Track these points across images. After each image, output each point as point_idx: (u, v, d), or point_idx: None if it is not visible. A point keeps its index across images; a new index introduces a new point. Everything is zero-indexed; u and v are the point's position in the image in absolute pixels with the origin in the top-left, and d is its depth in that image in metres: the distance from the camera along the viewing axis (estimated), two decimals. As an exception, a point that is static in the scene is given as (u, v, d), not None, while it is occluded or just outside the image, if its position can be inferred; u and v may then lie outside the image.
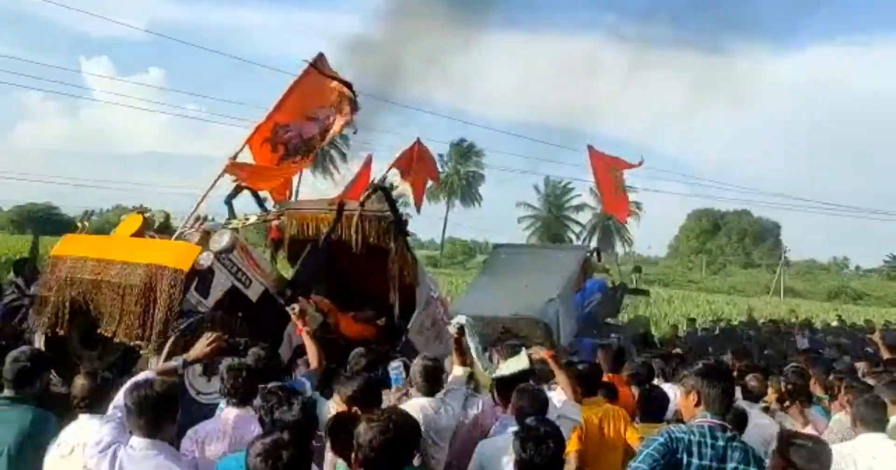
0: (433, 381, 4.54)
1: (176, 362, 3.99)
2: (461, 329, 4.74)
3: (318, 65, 7.37)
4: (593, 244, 72.33)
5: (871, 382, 6.13)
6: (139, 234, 6.15)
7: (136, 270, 5.57)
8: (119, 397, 3.44)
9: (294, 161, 7.38)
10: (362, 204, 7.18)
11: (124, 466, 3.20)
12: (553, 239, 70.37)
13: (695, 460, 3.27)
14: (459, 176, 72.67)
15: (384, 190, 7.29)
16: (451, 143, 72.25)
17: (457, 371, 4.77)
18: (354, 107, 7.56)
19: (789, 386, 5.94)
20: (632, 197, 77.03)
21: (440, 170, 72.51)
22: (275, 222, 7.01)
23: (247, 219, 6.96)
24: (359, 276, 7.71)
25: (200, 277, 5.85)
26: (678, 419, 4.45)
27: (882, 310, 43.73)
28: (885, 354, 6.77)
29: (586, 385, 4.82)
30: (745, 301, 44.96)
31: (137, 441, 3.22)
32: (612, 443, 4.73)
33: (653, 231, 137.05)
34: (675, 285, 61.94)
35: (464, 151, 73.07)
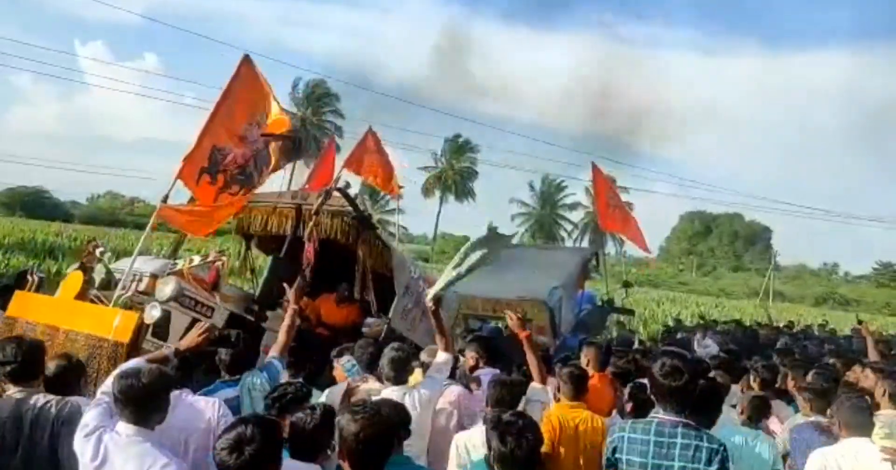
0: (401, 370, 4.58)
1: (167, 351, 3.95)
2: (438, 300, 4.75)
3: (247, 68, 6.45)
4: (585, 243, 72.65)
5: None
6: (82, 294, 5.92)
7: (78, 341, 5.36)
8: (108, 383, 3.43)
9: (232, 192, 6.35)
10: (317, 211, 7.11)
11: (109, 451, 3.18)
12: (546, 236, 70.51)
13: (635, 458, 3.28)
14: (454, 171, 72.60)
15: (339, 191, 7.23)
16: (446, 138, 72.26)
17: (440, 357, 4.76)
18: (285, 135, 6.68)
19: (758, 381, 6.11)
20: (624, 198, 77.32)
21: (435, 165, 72.33)
22: (216, 264, 6.55)
23: (191, 261, 6.52)
24: (329, 263, 7.75)
25: (156, 324, 5.73)
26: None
27: (869, 316, 43.97)
28: (873, 356, 6.75)
29: (576, 387, 4.74)
30: (733, 304, 45.15)
31: (123, 427, 3.21)
32: (587, 449, 4.57)
33: (645, 232, 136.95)
34: (666, 287, 62.17)
35: (458, 147, 72.99)
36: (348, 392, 4.55)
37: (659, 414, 3.35)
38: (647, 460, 3.24)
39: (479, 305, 10.54)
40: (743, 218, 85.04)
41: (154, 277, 6.06)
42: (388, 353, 4.63)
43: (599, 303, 13.58)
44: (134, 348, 5.26)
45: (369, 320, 7.62)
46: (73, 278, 6.08)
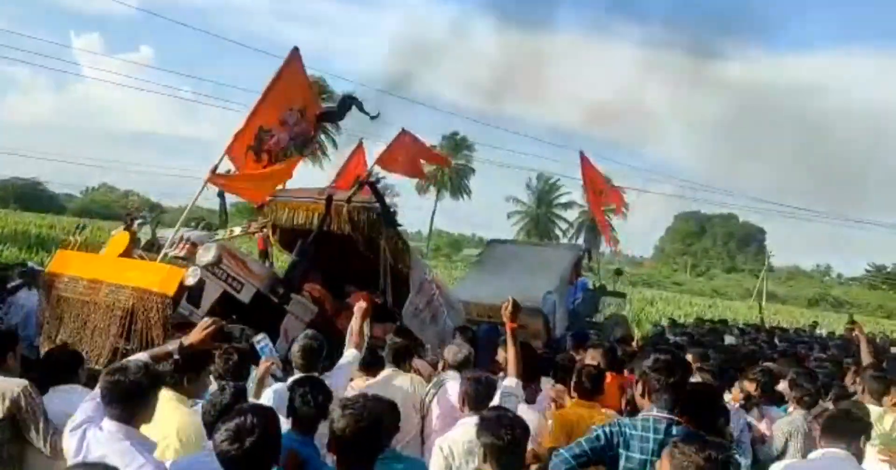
0: (313, 359, 4.56)
1: (171, 346, 3.89)
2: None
3: (296, 61, 7.10)
4: (580, 242, 72.81)
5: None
6: (127, 253, 6.18)
7: (124, 293, 5.67)
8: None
9: (276, 165, 7.06)
10: (349, 200, 7.29)
11: (90, 447, 3.14)
12: (541, 235, 70.58)
13: (635, 455, 3.24)
14: (450, 168, 72.57)
15: (370, 185, 7.43)
16: (443, 135, 72.22)
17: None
18: (326, 116, 7.53)
19: (755, 385, 6.06)
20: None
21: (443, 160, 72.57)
22: (259, 235, 6.91)
23: (231, 231, 6.93)
24: (345, 259, 7.88)
25: (191, 290, 6.00)
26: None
27: (863, 319, 44.10)
28: (867, 358, 6.74)
29: (592, 385, 4.67)
30: (727, 305, 45.27)
31: (108, 424, 3.16)
32: None
33: (639, 232, 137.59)
34: (660, 286, 62.29)
35: (455, 144, 72.96)
36: (260, 375, 4.54)
37: (653, 411, 3.33)
38: (647, 457, 3.22)
39: (475, 311, 10.61)
40: (737, 219, 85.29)
41: (194, 244, 6.31)
42: (301, 340, 4.60)
43: (591, 287, 13.75)
44: (177, 303, 5.66)
45: None
46: (121, 238, 6.32)
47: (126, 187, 69.62)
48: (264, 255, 6.81)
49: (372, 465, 3.00)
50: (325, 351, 4.70)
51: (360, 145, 13.20)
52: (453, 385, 4.76)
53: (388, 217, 7.50)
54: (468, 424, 3.92)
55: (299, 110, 7.06)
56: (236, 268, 6.40)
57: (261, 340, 4.69)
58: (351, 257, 7.84)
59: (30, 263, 10.58)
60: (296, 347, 4.60)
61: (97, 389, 3.33)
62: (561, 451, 3.30)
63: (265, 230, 7.00)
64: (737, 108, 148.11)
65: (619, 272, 18.25)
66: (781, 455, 5.26)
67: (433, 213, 72.55)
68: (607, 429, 3.31)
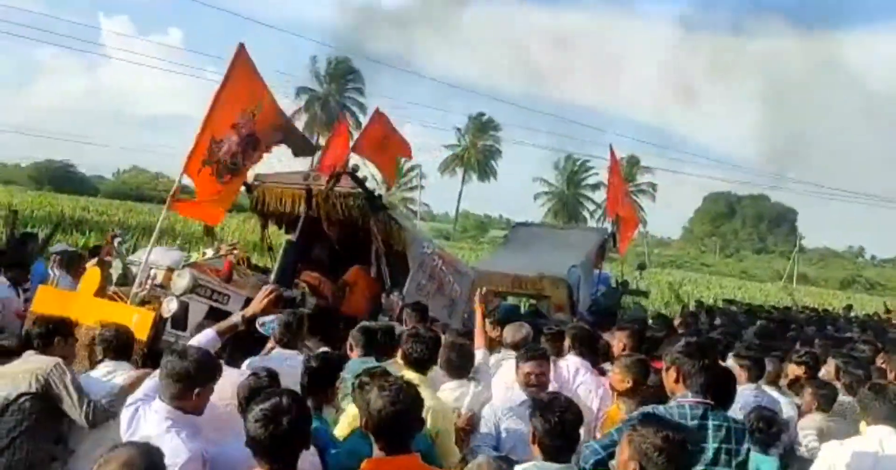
0: (293, 333, 4.77)
1: (235, 318, 3.94)
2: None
3: (243, 59, 6.51)
4: (608, 223, 72.29)
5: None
6: (101, 291, 5.99)
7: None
8: None
9: (224, 181, 6.48)
10: (326, 197, 7.41)
11: (139, 425, 3.24)
12: (569, 216, 70.24)
13: None
14: (476, 149, 72.35)
15: (349, 174, 7.40)
16: (470, 116, 71.95)
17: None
18: (284, 123, 6.97)
19: (802, 368, 5.97)
20: (647, 178, 76.08)
21: (457, 143, 71.84)
22: (229, 257, 6.61)
23: (204, 254, 6.63)
24: (343, 241, 8.06)
25: (173, 315, 5.84)
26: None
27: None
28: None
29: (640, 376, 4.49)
30: (756, 287, 44.79)
31: (158, 404, 3.21)
32: None
33: (668, 213, 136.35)
34: (688, 268, 61.78)
35: (481, 125, 72.66)
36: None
37: (688, 397, 3.33)
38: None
39: (499, 281, 10.67)
40: (768, 199, 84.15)
41: (170, 269, 6.16)
42: (282, 316, 4.81)
43: (614, 284, 13.69)
44: (153, 344, 5.37)
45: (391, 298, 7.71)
46: (92, 274, 6.12)
47: (156, 169, 70.41)
48: (228, 278, 6.43)
49: (408, 445, 3.01)
50: (304, 326, 4.89)
51: (342, 124, 13.17)
52: (510, 364, 4.81)
53: (373, 202, 7.55)
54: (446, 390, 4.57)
55: (252, 111, 6.54)
56: (217, 282, 6.30)
57: (269, 322, 4.80)
58: (348, 239, 8.02)
59: (62, 245, 10.62)
60: (276, 324, 4.81)
61: (161, 369, 3.38)
62: (591, 442, 3.31)
63: (236, 252, 6.79)
64: (772, 88, 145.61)
65: (641, 267, 17.97)
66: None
67: (460, 194, 72.58)
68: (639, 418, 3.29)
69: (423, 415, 3.18)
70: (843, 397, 5.31)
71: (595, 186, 73.80)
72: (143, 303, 5.85)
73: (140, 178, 68.18)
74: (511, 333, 5.41)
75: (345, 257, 8.16)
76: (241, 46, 6.48)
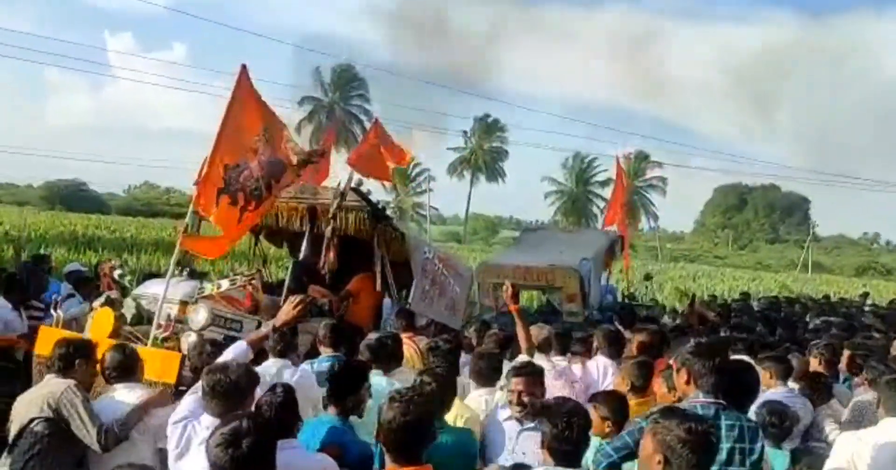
0: (288, 341, 4.80)
1: (265, 329, 3.98)
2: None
3: (245, 79, 6.05)
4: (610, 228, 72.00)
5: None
6: (116, 333, 5.61)
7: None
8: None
9: (251, 210, 6.00)
10: (334, 216, 7.29)
11: (191, 441, 3.33)
12: (579, 214, 70.08)
13: None
14: (483, 151, 72.32)
15: (354, 190, 7.44)
16: (476, 117, 71.92)
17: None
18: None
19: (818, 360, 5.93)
20: (657, 172, 75.84)
21: (464, 146, 71.77)
22: (249, 289, 6.32)
23: (219, 285, 6.22)
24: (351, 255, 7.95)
25: None
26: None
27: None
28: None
29: (642, 377, 4.54)
30: (771, 277, 44.53)
31: (206, 419, 3.31)
32: None
33: (679, 206, 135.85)
34: (702, 261, 61.54)
35: (487, 126, 72.62)
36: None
37: (699, 398, 3.33)
38: None
39: (510, 273, 10.65)
40: (779, 189, 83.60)
41: (184, 303, 5.91)
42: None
43: (620, 297, 13.63)
44: (178, 386, 5.07)
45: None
46: (104, 316, 5.76)
47: (168, 184, 70.84)
48: (254, 311, 6.26)
49: (419, 456, 3.02)
50: (297, 336, 4.96)
51: (329, 134, 13.24)
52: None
53: (377, 213, 7.63)
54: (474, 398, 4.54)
55: (263, 135, 6.10)
56: (231, 310, 6.15)
57: None
58: (359, 249, 7.94)
59: (76, 264, 10.55)
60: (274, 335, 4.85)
61: (199, 384, 3.48)
62: (603, 444, 3.31)
63: (254, 282, 6.45)
64: (779, 75, 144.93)
65: (648, 277, 18.00)
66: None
67: (469, 196, 72.56)
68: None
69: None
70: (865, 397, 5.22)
71: (604, 183, 73.61)
72: (160, 340, 5.62)
73: (151, 194, 68.61)
74: (533, 335, 5.39)
75: (344, 268, 8.03)
76: (244, 68, 6.08)
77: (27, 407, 4.06)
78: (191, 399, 3.50)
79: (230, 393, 3.27)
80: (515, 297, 5.34)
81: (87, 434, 3.95)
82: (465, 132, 72.38)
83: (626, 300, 13.69)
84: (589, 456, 3.41)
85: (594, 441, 3.55)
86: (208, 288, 6.16)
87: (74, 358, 4.24)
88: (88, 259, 19.78)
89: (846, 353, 6.41)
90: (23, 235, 21.72)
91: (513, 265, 10.99)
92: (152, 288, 6.29)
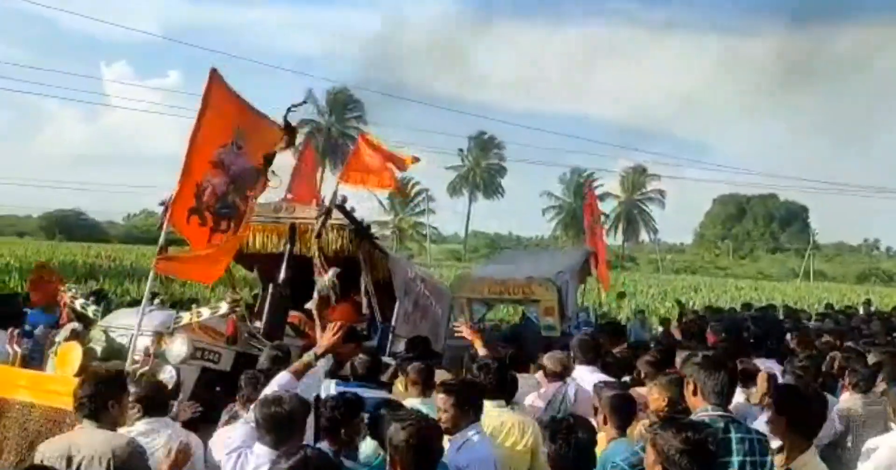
0: (280, 366, 4.64)
1: (308, 357, 3.96)
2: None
3: (217, 85, 5.62)
4: (619, 234, 72.32)
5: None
6: (83, 369, 4.99)
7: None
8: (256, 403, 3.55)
9: (223, 229, 5.66)
10: (319, 235, 6.99)
11: (244, 469, 3.40)
12: (578, 228, 70.12)
13: None
14: (480, 168, 72.57)
15: (338, 207, 7.12)
16: (470, 136, 72.23)
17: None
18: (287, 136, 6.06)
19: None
20: (654, 185, 76.10)
21: (462, 163, 71.93)
22: (231, 317, 5.87)
23: (199, 313, 5.79)
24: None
25: None
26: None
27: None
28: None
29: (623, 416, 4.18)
30: (773, 286, 44.51)
31: (260, 449, 3.36)
32: None
33: (679, 218, 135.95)
34: (703, 272, 61.54)
35: (484, 144, 72.94)
36: None
37: (708, 411, 3.32)
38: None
39: (487, 289, 10.68)
40: (778, 198, 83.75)
41: (159, 334, 5.49)
42: (267, 351, 5.02)
43: (593, 318, 13.49)
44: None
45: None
46: (69, 350, 5.22)
47: (165, 211, 70.77)
48: (233, 341, 5.87)
49: None
50: (290, 358, 4.81)
51: (308, 152, 13.05)
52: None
53: (362, 232, 7.38)
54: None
55: (235, 143, 5.68)
56: (208, 340, 5.81)
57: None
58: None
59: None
60: (263, 357, 4.87)
61: (250, 414, 3.57)
62: (617, 460, 3.30)
63: (237, 310, 5.96)
64: (772, 84, 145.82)
65: (621, 296, 18.18)
66: (841, 440, 5.18)
67: (468, 214, 72.74)
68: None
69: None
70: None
71: (602, 197, 73.80)
72: (141, 378, 4.98)
73: (150, 221, 68.44)
74: (552, 362, 5.31)
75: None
76: (213, 71, 5.62)
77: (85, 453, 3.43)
78: (244, 430, 3.59)
79: (285, 424, 3.33)
80: (476, 334, 5.75)
81: None
82: (461, 150, 72.70)
83: (598, 320, 13.58)
84: None
85: (615, 451, 3.57)
86: (185, 317, 5.72)
87: (107, 399, 3.57)
88: (88, 289, 19.77)
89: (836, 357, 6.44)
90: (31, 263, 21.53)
91: (489, 279, 10.91)
92: (122, 319, 5.86)
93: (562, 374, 5.23)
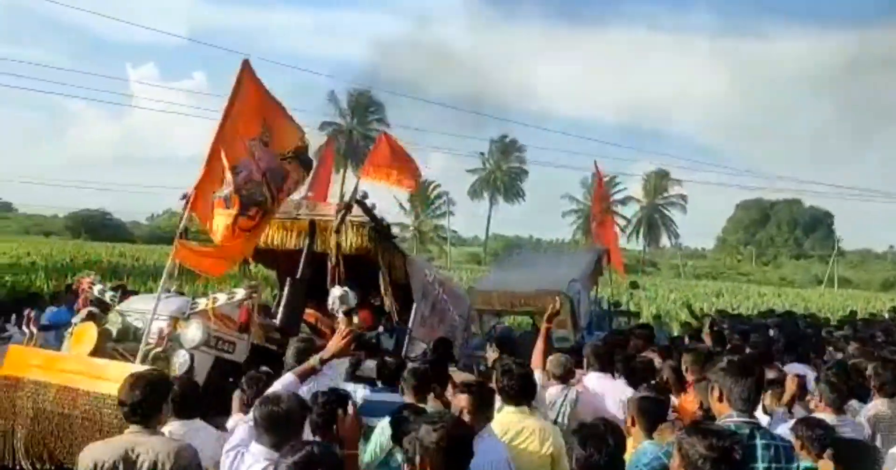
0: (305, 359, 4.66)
1: (313, 362, 3.93)
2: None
3: (249, 76, 5.64)
4: (640, 238, 71.86)
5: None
6: (98, 349, 5.19)
7: (107, 404, 4.64)
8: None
9: (250, 215, 5.60)
10: (337, 230, 6.92)
11: (239, 467, 3.41)
12: (599, 233, 69.84)
13: None
14: (502, 172, 72.48)
15: (358, 203, 7.04)
16: (491, 139, 72.16)
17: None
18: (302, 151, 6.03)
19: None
20: (676, 190, 75.34)
21: (483, 167, 71.72)
22: (246, 304, 5.85)
23: (215, 299, 5.76)
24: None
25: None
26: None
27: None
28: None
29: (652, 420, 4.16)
30: (796, 293, 44.03)
31: (256, 448, 3.37)
32: None
33: (701, 223, 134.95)
34: (725, 278, 60.98)
35: (505, 147, 72.84)
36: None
37: (733, 417, 3.30)
38: None
39: (496, 300, 10.55)
40: (802, 204, 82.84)
41: (175, 319, 5.52)
42: (294, 344, 4.89)
43: (605, 306, 13.55)
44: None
45: None
46: (85, 331, 5.31)
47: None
48: (245, 328, 5.84)
49: None
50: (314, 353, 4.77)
51: (328, 150, 12.92)
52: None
53: (381, 231, 7.24)
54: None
55: (261, 139, 5.69)
56: (224, 328, 5.77)
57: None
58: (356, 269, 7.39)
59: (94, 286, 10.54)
60: (290, 351, 4.83)
61: (251, 414, 3.55)
62: (641, 465, 3.29)
63: (254, 296, 5.94)
64: (796, 90, 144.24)
65: (634, 285, 18.04)
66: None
67: (489, 217, 72.64)
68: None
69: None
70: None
71: (623, 201, 73.40)
72: (154, 360, 5.15)
73: (174, 221, 68.79)
74: (554, 365, 5.33)
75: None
76: (246, 62, 5.64)
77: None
78: (243, 429, 3.58)
79: (282, 423, 3.32)
80: (552, 316, 5.54)
81: None
82: (482, 154, 72.65)
83: (611, 308, 13.65)
84: None
85: (642, 453, 3.58)
86: (202, 303, 5.73)
87: (157, 403, 3.54)
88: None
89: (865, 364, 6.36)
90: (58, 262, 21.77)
91: (499, 291, 10.69)
92: (139, 304, 5.94)
93: (564, 377, 5.25)
